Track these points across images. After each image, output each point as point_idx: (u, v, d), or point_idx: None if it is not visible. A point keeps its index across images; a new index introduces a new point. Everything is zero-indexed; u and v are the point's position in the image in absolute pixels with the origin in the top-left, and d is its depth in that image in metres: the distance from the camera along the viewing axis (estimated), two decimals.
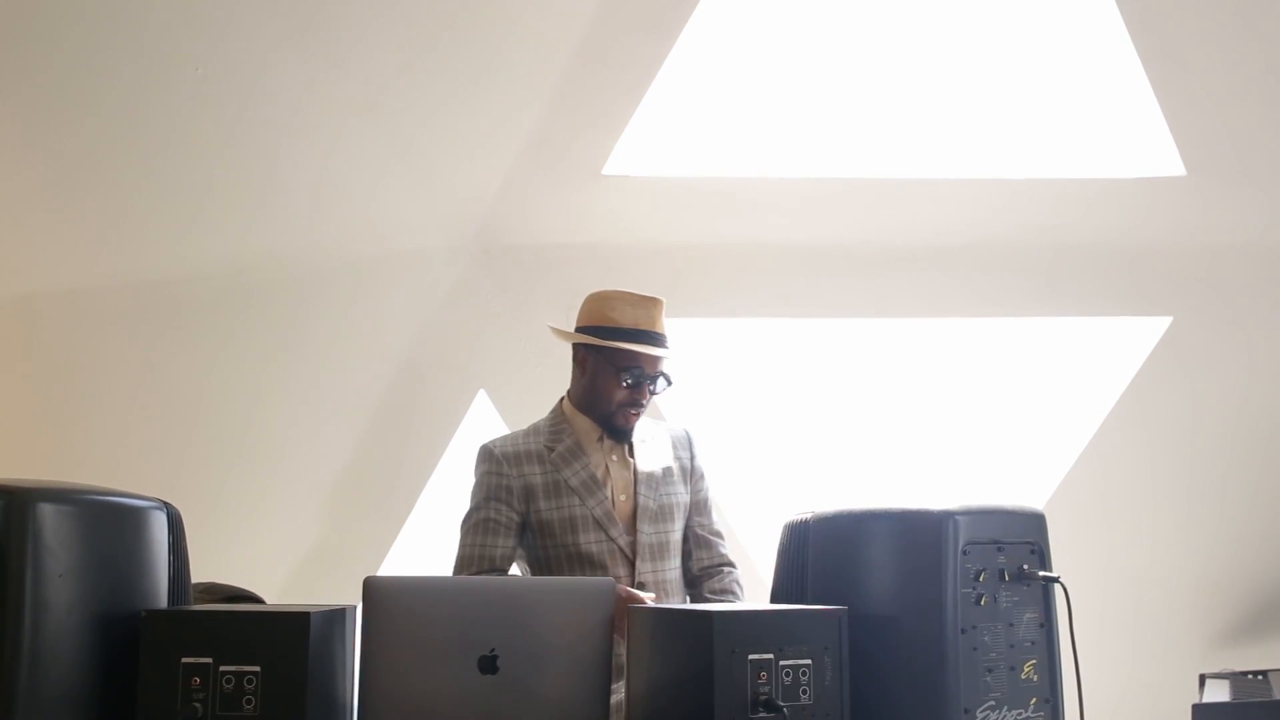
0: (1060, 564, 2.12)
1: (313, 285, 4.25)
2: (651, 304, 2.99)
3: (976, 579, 2.01)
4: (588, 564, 2.88)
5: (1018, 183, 4.23)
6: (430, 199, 4.24)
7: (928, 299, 4.40)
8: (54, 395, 4.09)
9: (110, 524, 1.88)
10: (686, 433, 3.12)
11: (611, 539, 2.89)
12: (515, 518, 2.91)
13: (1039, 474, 4.46)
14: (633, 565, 2.89)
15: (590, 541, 2.89)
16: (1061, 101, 4.25)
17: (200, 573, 2.18)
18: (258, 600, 2.60)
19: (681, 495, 3.02)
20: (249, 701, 1.78)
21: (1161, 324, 4.34)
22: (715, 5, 4.01)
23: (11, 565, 1.68)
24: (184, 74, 3.59)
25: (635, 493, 2.95)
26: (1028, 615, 2.06)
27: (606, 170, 4.22)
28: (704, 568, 3.02)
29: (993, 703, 1.99)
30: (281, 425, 4.35)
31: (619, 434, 2.99)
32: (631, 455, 3.00)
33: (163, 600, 1.97)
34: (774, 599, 2.27)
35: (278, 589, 4.32)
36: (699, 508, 3.06)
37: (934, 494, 2.10)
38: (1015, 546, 2.07)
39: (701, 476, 3.09)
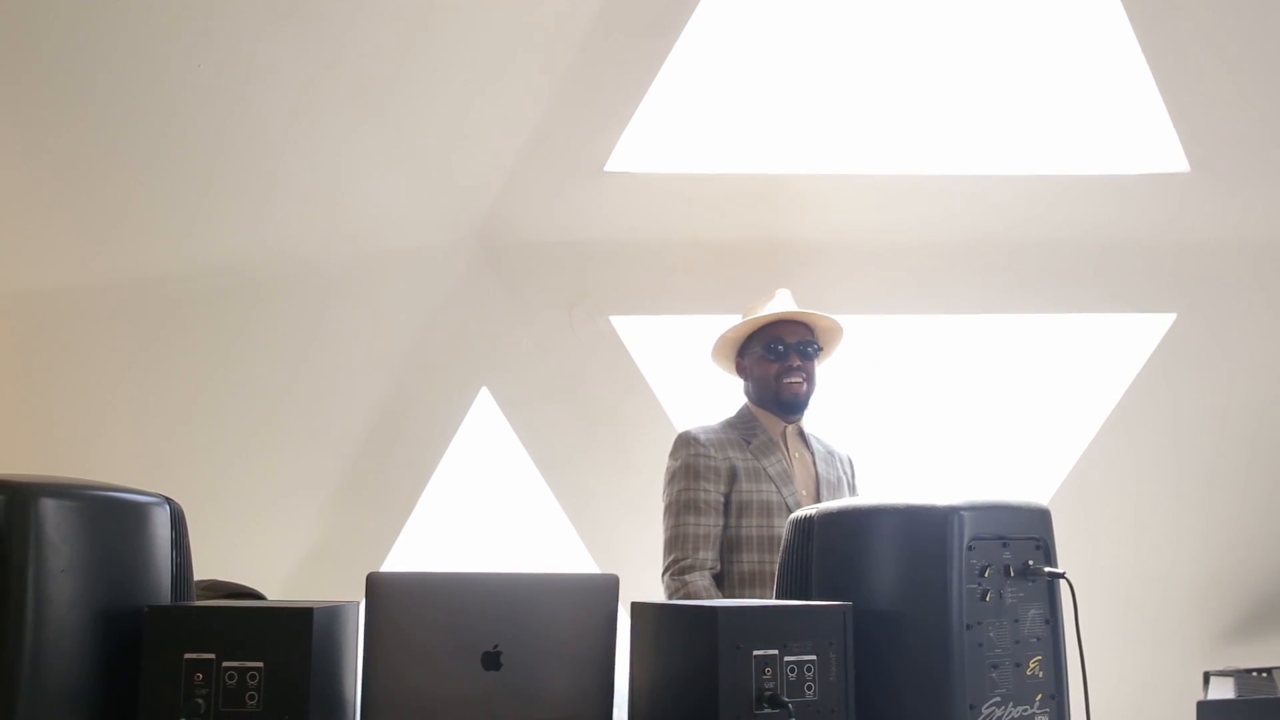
0: (1063, 560, 2.11)
1: (315, 282, 4.24)
2: (775, 293, 3.35)
3: (981, 574, 2.00)
4: (779, 548, 2.99)
5: (1021, 179, 4.23)
6: (432, 196, 4.23)
7: (931, 295, 4.39)
8: (55, 391, 4.09)
9: (112, 519, 1.87)
10: (849, 456, 3.39)
11: None
12: (720, 498, 3.10)
13: (1043, 470, 4.45)
14: None
15: (783, 527, 2.99)
16: (1065, 97, 4.24)
17: (202, 569, 2.17)
18: (259, 597, 2.59)
19: None
20: (252, 698, 1.77)
21: (1165, 320, 4.33)
22: (717, 2, 4.00)
23: (14, 560, 1.67)
24: (183, 70, 3.58)
25: (817, 491, 3.17)
26: (1033, 611, 2.05)
27: (609, 167, 4.22)
28: None
29: (998, 699, 1.98)
30: (284, 421, 4.34)
31: (788, 406, 3.23)
32: (813, 460, 3.24)
33: (165, 596, 1.96)
34: (778, 595, 2.26)
35: (280, 585, 4.31)
36: None
37: (938, 490, 2.09)
38: (1020, 542, 2.06)
39: (859, 496, 3.31)
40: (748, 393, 3.35)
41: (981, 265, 4.35)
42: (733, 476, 3.12)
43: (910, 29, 4.17)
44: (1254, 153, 4.09)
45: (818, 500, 3.16)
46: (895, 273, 4.34)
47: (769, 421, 3.26)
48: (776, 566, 2.99)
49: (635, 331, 4.41)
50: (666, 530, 3.14)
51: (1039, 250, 4.32)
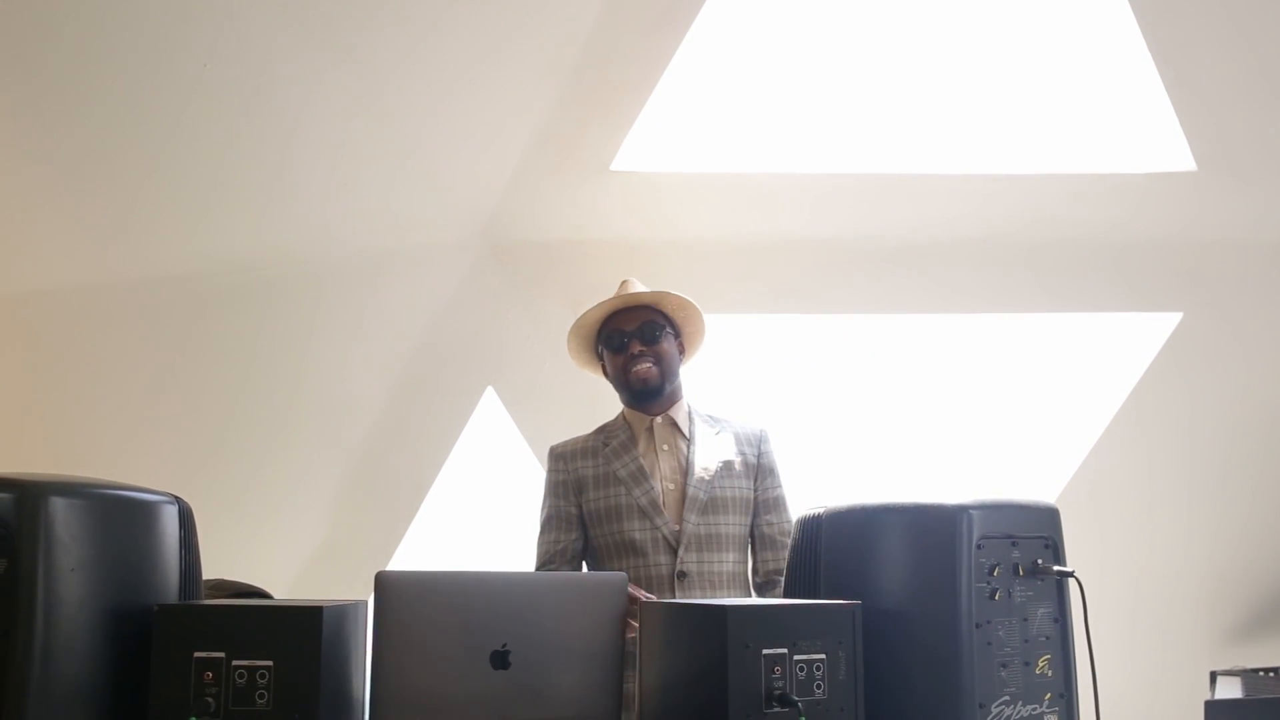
0: (1070, 558, 2.11)
1: (320, 281, 4.24)
2: (619, 286, 3.22)
3: (991, 573, 2.00)
4: (632, 551, 2.98)
5: (1028, 178, 4.22)
6: (438, 194, 4.23)
7: (938, 294, 4.39)
8: (64, 391, 4.09)
9: (122, 518, 1.88)
10: (761, 430, 3.17)
11: (656, 527, 2.97)
12: (574, 511, 3.06)
13: (1050, 469, 4.45)
14: (675, 553, 2.94)
15: (634, 529, 2.98)
16: (1072, 96, 4.24)
17: (209, 569, 2.18)
18: (266, 596, 2.59)
19: (743, 490, 3.06)
20: (261, 696, 1.78)
21: (1172, 319, 4.33)
22: (723, 1, 3.99)
23: (24, 559, 1.68)
24: (190, 69, 3.59)
25: (684, 483, 3.02)
26: (1042, 610, 2.06)
27: (615, 166, 4.21)
28: (768, 572, 3.06)
29: (1007, 698, 1.98)
30: (289, 420, 4.34)
31: (641, 395, 3.10)
32: (686, 447, 3.08)
33: (174, 595, 1.97)
34: (787, 594, 2.26)
35: (286, 585, 4.32)
36: (767, 506, 3.10)
37: (946, 489, 2.09)
38: (1029, 541, 2.06)
39: (771, 473, 3.12)
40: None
41: (987, 264, 4.34)
42: (580, 487, 3.06)
43: (918, 28, 4.17)
44: (1261, 152, 4.08)
45: (684, 489, 3.00)
46: (902, 272, 4.34)
47: (636, 419, 3.13)
48: (638, 570, 2.95)
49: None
50: (536, 547, 3.12)
51: (1043, 249, 4.31)
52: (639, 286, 3.22)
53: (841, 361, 4.63)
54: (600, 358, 3.23)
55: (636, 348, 3.08)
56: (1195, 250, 4.27)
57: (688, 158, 4.30)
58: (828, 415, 4.60)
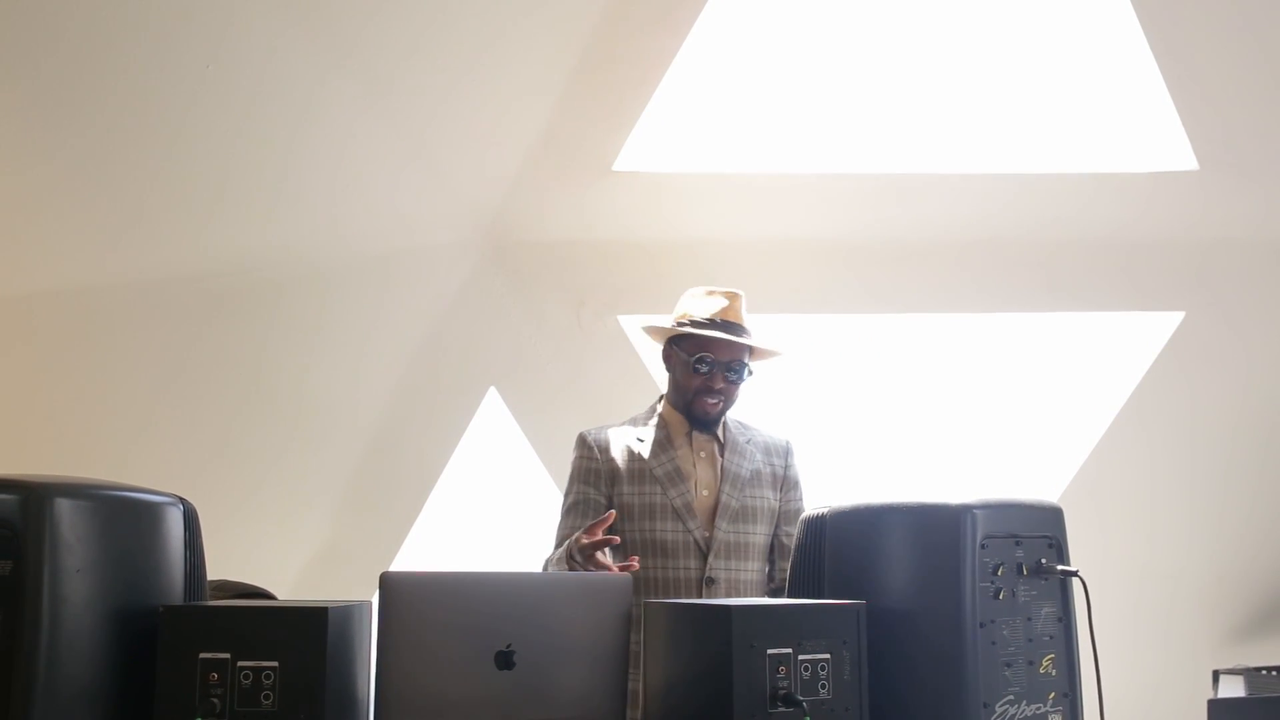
0: (1073, 558, 2.12)
1: (323, 282, 4.24)
2: (727, 296, 3.12)
3: (994, 573, 2.00)
4: (661, 552, 2.96)
5: (1030, 177, 4.22)
6: (441, 195, 4.23)
7: (940, 294, 4.39)
8: (68, 391, 4.10)
9: (127, 519, 1.88)
10: (786, 442, 3.19)
11: (688, 530, 2.97)
12: (602, 500, 3.03)
13: (1052, 469, 4.44)
14: (705, 559, 2.95)
15: (666, 530, 2.97)
16: (1074, 96, 4.24)
17: (212, 569, 2.17)
18: (270, 597, 2.59)
19: (769, 500, 3.08)
20: (267, 697, 1.78)
21: (1174, 319, 4.33)
22: (725, 1, 4.00)
23: (29, 560, 1.68)
24: (194, 70, 3.59)
25: (718, 489, 3.03)
26: (1046, 609, 2.06)
27: (617, 166, 4.22)
28: (784, 579, 3.02)
29: (1011, 697, 1.98)
30: (292, 421, 4.35)
31: (699, 423, 3.08)
32: (721, 454, 3.08)
33: (178, 596, 1.96)
34: (791, 593, 2.26)
35: (289, 586, 4.33)
36: (788, 517, 3.10)
37: (949, 488, 2.09)
38: (1033, 540, 2.06)
39: (795, 486, 3.15)
40: (667, 386, 3.18)
41: (989, 264, 4.35)
42: (613, 479, 3.02)
43: (922, 27, 4.17)
44: (1264, 150, 4.08)
45: (718, 496, 3.01)
46: (903, 272, 4.34)
47: (676, 420, 3.11)
48: (665, 571, 2.94)
49: (643, 331, 4.40)
50: (556, 530, 3.08)
51: (1045, 249, 4.31)
52: (745, 310, 3.12)
53: (844, 361, 4.63)
54: (674, 344, 3.12)
55: (719, 382, 3.03)
56: (1198, 250, 4.27)
57: (690, 158, 4.31)
58: (831, 414, 4.60)
